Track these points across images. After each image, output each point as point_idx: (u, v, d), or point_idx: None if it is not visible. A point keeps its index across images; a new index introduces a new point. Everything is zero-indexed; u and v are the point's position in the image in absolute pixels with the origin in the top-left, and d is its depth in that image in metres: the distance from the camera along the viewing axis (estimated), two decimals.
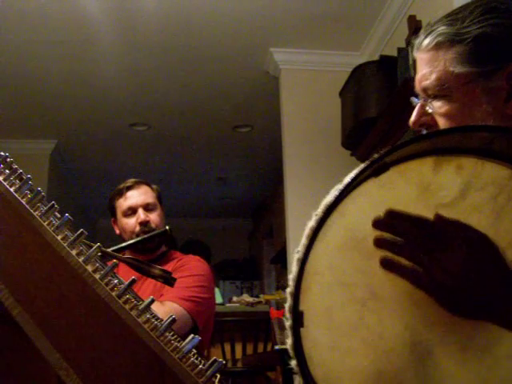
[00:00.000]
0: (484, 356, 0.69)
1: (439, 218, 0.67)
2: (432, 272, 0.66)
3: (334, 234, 0.67)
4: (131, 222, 2.01)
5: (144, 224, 1.99)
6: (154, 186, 2.13)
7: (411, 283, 0.67)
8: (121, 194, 2.06)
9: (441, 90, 0.91)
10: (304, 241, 0.65)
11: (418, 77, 0.95)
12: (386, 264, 0.67)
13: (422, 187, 0.69)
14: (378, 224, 0.67)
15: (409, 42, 2.61)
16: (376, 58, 3.14)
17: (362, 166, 0.65)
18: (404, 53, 2.59)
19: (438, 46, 0.91)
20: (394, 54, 2.76)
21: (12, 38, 3.37)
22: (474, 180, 0.69)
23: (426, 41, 0.93)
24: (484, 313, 0.67)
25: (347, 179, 0.65)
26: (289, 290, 0.65)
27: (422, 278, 0.67)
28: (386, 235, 0.67)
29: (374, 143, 2.89)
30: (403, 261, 0.67)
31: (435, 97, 0.92)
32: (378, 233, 0.68)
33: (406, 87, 2.37)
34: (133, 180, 2.10)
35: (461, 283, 0.66)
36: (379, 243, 0.67)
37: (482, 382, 0.69)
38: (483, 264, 0.66)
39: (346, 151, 3.27)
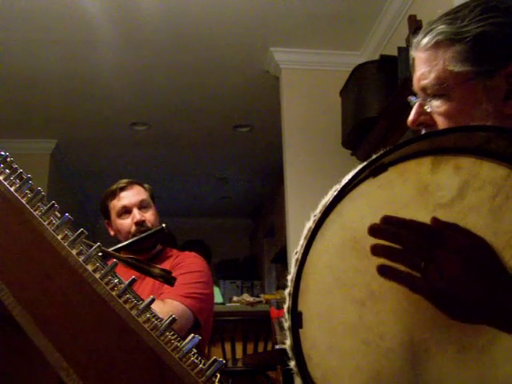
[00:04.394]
0: (482, 356, 0.69)
1: (436, 221, 0.66)
2: (429, 277, 0.65)
3: (332, 234, 0.67)
4: (127, 223, 2.01)
5: (140, 224, 1.99)
6: (147, 186, 2.13)
7: (409, 289, 0.67)
8: (114, 195, 2.06)
9: (440, 89, 0.90)
10: (302, 241, 0.65)
11: (416, 76, 0.94)
12: (382, 271, 0.67)
13: (420, 187, 0.69)
14: (373, 231, 0.66)
15: (409, 42, 2.61)
16: (376, 57, 3.14)
17: (360, 166, 0.65)
18: (404, 52, 2.59)
19: (437, 45, 0.91)
20: (395, 53, 2.76)
21: (12, 38, 3.37)
22: (471, 180, 0.69)
23: (425, 40, 0.92)
24: (482, 317, 0.67)
25: (345, 180, 0.65)
26: (287, 290, 0.65)
27: (419, 284, 0.66)
28: (383, 242, 0.67)
29: (374, 143, 2.89)
30: (400, 267, 0.67)
31: (434, 96, 0.91)
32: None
33: (407, 87, 2.37)
34: (125, 180, 2.10)
35: (458, 288, 0.65)
36: (375, 251, 0.67)
37: (480, 382, 0.69)
38: (480, 268, 0.65)
39: (347, 151, 3.27)
